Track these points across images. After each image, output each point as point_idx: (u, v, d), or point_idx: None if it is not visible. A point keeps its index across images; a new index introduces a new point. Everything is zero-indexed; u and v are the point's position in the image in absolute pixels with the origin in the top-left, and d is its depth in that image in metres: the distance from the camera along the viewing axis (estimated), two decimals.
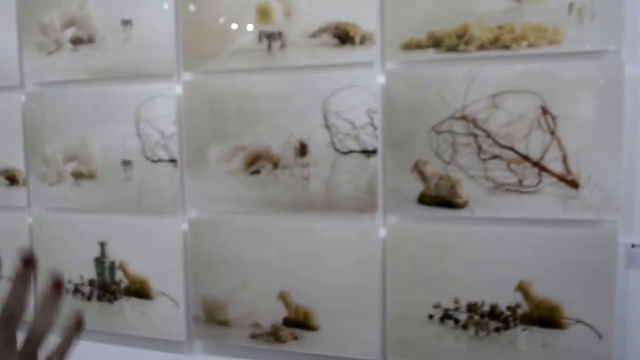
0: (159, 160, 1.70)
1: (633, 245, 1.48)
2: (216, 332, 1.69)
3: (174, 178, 1.68)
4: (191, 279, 1.71)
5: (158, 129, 1.69)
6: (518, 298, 1.51)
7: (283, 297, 1.62)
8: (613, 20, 1.40)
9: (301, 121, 1.60)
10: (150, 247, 1.74)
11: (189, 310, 1.72)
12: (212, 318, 1.69)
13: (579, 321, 1.48)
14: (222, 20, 1.66)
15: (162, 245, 1.72)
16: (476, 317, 1.55)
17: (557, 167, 1.46)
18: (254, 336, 1.66)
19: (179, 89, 1.67)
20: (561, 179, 1.46)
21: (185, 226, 1.70)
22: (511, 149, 1.48)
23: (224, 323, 1.68)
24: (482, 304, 1.54)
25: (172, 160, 1.68)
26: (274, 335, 1.64)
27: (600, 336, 1.46)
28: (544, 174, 1.47)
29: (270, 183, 1.61)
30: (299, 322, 1.62)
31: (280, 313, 1.63)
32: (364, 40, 1.54)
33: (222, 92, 1.64)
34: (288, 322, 1.63)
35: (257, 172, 1.62)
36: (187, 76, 1.67)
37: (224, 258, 1.67)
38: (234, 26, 1.65)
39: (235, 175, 1.64)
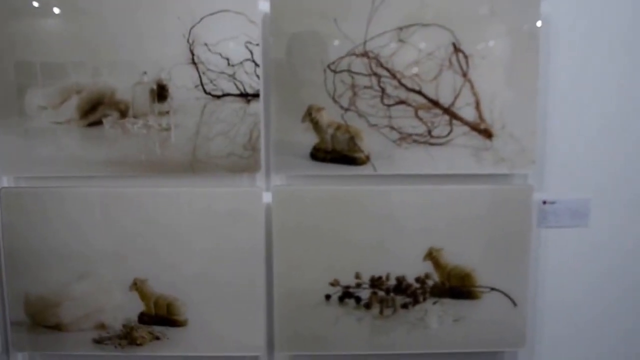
0: None
1: (544, 202, 1.36)
2: (45, 341, 1.39)
3: None
4: (7, 272, 1.38)
5: None
6: (428, 267, 1.33)
7: (138, 286, 1.35)
8: None
9: (158, 55, 1.28)
10: None
11: (4, 314, 1.42)
12: (38, 322, 1.39)
13: (493, 289, 1.33)
14: None
15: None
16: (381, 294, 1.33)
17: (469, 114, 1.29)
18: (99, 341, 1.38)
19: None
20: (474, 127, 1.28)
21: None
22: (419, 92, 1.27)
23: (56, 327, 1.39)
24: (388, 277, 1.33)
25: None
26: (127, 337, 1.37)
27: (514, 304, 1.33)
28: (455, 122, 1.28)
29: (117, 137, 1.31)
30: (161, 317, 1.36)
31: (134, 307, 1.37)
32: None
33: (45, 7, 1.29)
34: (145, 319, 1.37)
35: (98, 122, 1.31)
36: None
37: (54, 240, 1.34)
38: None
39: (67, 127, 1.31)
